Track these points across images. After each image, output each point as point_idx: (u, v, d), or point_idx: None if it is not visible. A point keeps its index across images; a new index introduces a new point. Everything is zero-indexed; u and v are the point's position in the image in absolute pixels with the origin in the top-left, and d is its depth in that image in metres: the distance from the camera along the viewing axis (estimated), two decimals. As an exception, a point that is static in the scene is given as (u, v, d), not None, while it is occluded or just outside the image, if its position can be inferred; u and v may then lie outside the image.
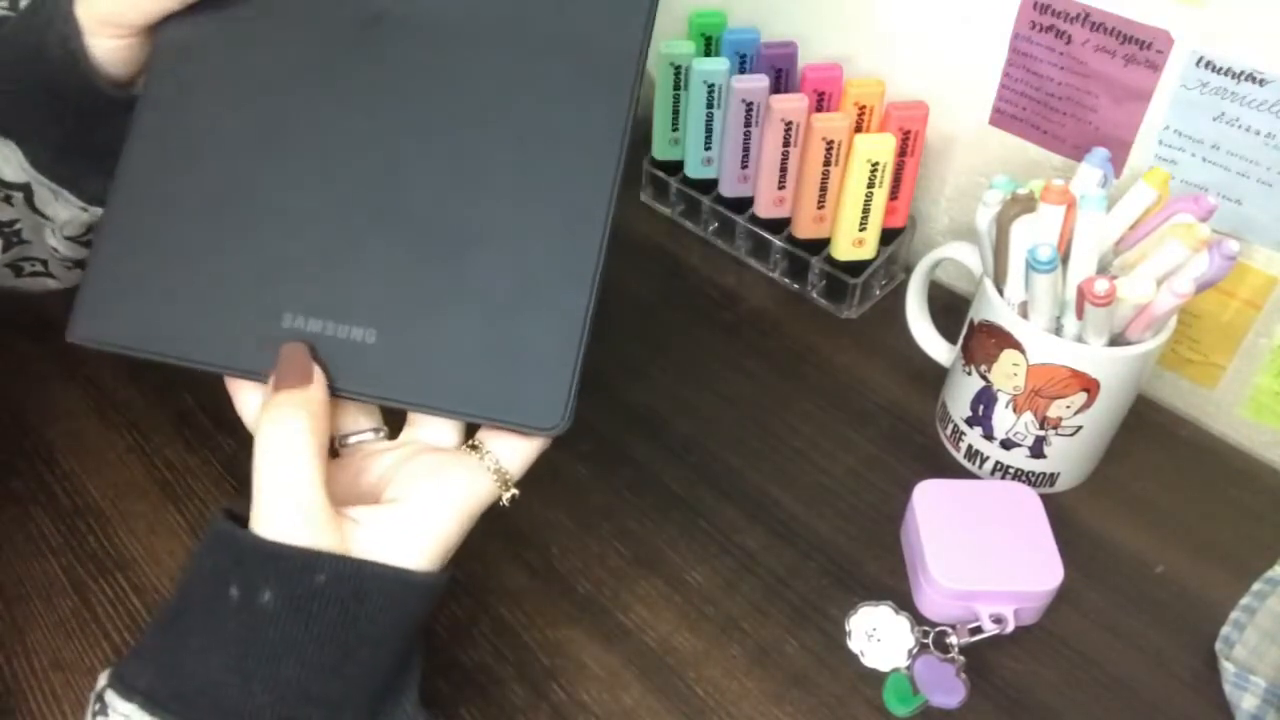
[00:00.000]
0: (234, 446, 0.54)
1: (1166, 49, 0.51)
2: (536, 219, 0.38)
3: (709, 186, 0.67)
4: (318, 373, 0.35)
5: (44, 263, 0.47)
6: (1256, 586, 0.49)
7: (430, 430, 0.38)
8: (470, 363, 0.37)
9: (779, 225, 0.65)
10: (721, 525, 0.51)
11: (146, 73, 0.40)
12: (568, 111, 0.39)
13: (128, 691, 0.32)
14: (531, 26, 0.40)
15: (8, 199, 0.43)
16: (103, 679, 0.33)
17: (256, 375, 0.38)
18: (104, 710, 0.32)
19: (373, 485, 0.37)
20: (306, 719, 0.32)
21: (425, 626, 0.36)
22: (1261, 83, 0.48)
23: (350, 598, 0.32)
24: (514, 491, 0.36)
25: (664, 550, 0.50)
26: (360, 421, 0.38)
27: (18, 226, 0.45)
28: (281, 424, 0.33)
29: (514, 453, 0.36)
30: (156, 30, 0.40)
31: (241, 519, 0.33)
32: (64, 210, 0.43)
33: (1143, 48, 0.51)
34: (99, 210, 0.43)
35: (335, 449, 0.38)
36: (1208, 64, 0.49)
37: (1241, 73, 0.48)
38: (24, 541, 0.50)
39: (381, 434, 0.39)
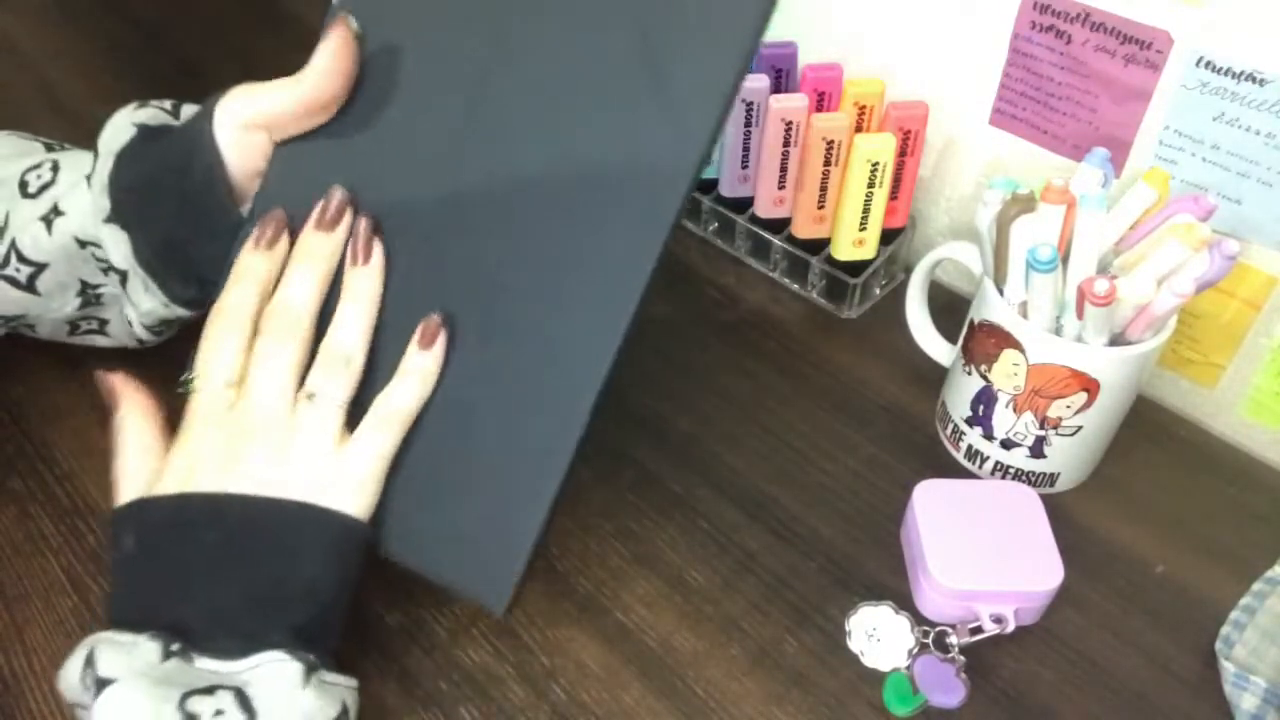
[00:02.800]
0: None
1: (1166, 49, 0.51)
2: (528, 390, 0.40)
3: (709, 187, 0.67)
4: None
5: (102, 322, 0.52)
6: (1256, 586, 0.49)
7: None
8: (434, 524, 0.41)
9: (779, 225, 0.65)
10: (721, 525, 0.51)
11: (256, 195, 0.45)
12: (589, 267, 0.40)
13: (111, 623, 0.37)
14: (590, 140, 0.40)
15: (106, 272, 0.48)
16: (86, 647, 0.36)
17: None
18: (91, 663, 0.35)
19: None
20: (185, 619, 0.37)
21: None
22: (1261, 83, 0.48)
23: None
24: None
25: (664, 550, 0.50)
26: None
27: (101, 291, 0.49)
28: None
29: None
30: (275, 149, 0.44)
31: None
32: (148, 301, 0.47)
33: (1143, 48, 0.51)
34: (180, 310, 0.47)
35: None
36: (1208, 64, 0.49)
37: (1241, 73, 0.48)
38: (24, 541, 0.50)
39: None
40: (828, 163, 0.59)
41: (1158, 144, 0.53)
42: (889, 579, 0.49)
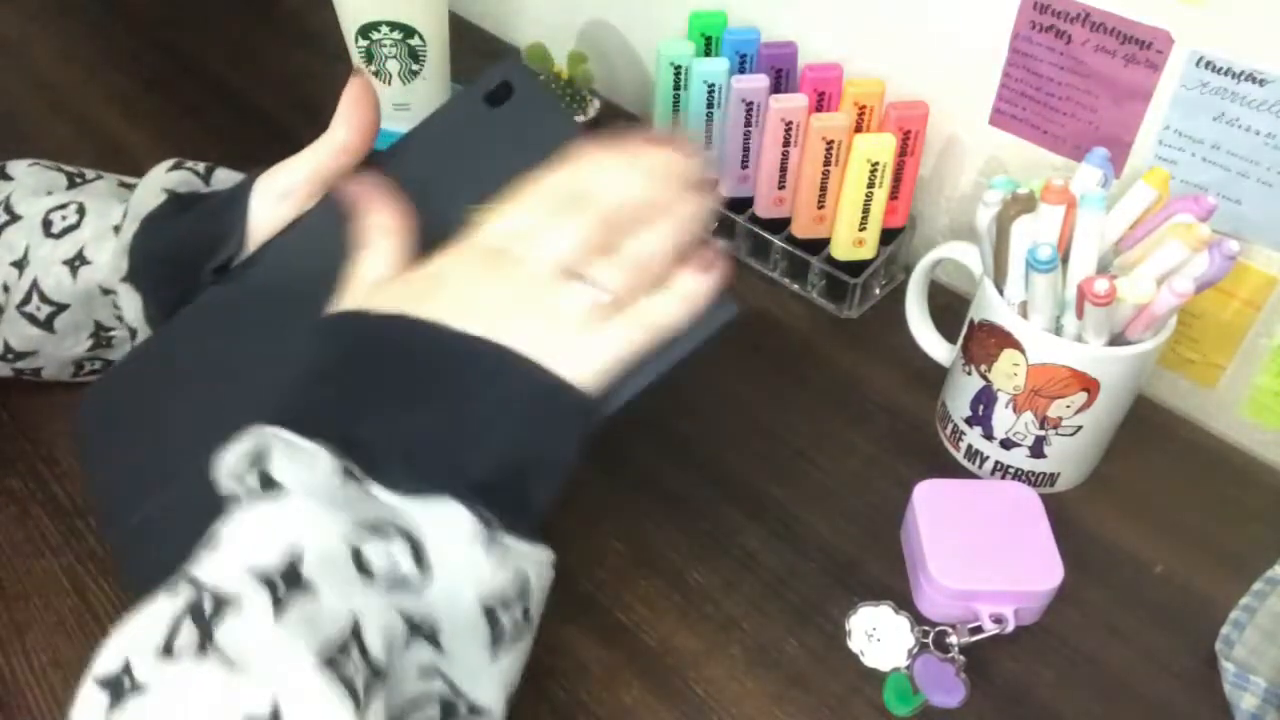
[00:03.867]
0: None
1: (1166, 49, 0.51)
2: None
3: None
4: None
5: (106, 364, 0.52)
6: (1256, 586, 0.49)
7: None
8: None
9: (779, 225, 0.65)
10: (721, 525, 0.51)
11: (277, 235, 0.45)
12: None
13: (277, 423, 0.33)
14: None
15: (120, 319, 0.49)
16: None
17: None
18: (261, 459, 0.33)
19: None
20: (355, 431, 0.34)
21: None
22: (1261, 83, 0.48)
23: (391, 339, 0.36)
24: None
25: (664, 550, 0.50)
26: None
27: (113, 334, 0.50)
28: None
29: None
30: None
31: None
32: None
33: (1143, 48, 0.51)
34: None
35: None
36: (1208, 64, 0.49)
37: (1241, 73, 0.48)
38: (24, 541, 0.50)
39: None
40: (828, 163, 0.59)
41: (1158, 144, 0.53)
42: (889, 579, 0.49)
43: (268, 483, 0.32)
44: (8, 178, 0.52)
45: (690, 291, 0.37)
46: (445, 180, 0.43)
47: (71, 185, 0.52)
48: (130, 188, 0.51)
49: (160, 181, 0.48)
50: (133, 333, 0.48)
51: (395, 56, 0.68)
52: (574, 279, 0.36)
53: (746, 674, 0.46)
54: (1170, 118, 0.52)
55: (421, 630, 0.31)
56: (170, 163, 0.49)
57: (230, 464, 0.32)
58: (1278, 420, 0.56)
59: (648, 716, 0.44)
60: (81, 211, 0.49)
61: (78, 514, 0.51)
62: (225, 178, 0.50)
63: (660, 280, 0.37)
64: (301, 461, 0.32)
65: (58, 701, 0.44)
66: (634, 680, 0.45)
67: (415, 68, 0.69)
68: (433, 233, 0.41)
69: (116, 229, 0.48)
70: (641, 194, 0.37)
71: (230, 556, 0.30)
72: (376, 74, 0.69)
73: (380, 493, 0.33)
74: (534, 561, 0.34)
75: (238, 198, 0.45)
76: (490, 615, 0.33)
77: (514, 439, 0.35)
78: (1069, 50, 0.54)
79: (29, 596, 0.48)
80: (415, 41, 0.68)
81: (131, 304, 0.47)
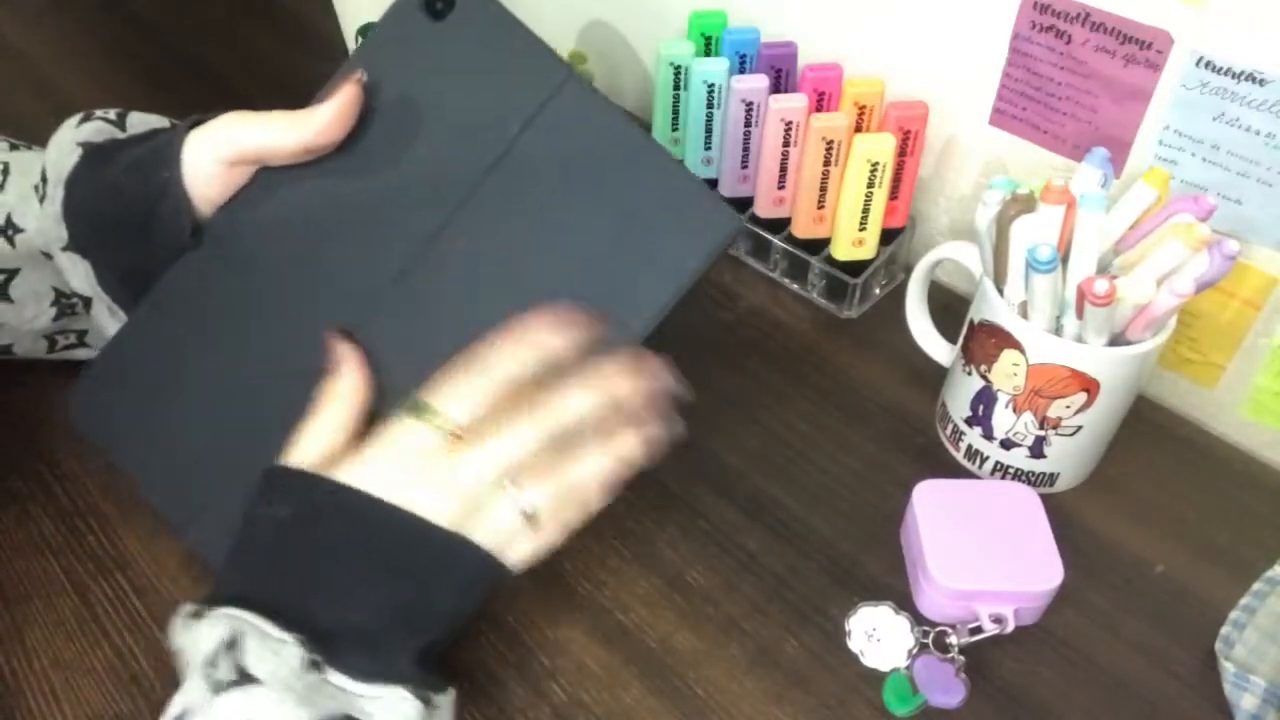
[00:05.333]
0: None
1: (1166, 49, 0.51)
2: None
3: (709, 186, 0.67)
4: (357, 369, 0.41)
5: (80, 334, 0.51)
6: (1256, 586, 0.49)
7: None
8: None
9: (779, 225, 0.65)
10: (721, 525, 0.51)
11: (219, 211, 0.44)
12: None
13: (221, 600, 0.35)
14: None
15: (70, 299, 0.48)
16: (188, 607, 0.36)
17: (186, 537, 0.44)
18: (235, 647, 0.34)
19: None
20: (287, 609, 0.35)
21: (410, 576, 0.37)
22: (1261, 83, 0.48)
23: (326, 520, 0.37)
24: (458, 426, 0.39)
25: (664, 550, 0.50)
26: None
27: (75, 300, 0.49)
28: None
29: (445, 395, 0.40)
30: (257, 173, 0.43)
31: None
32: (113, 326, 0.47)
33: (1143, 48, 0.51)
34: None
35: None
36: (1208, 64, 0.49)
37: (1241, 73, 0.48)
38: (24, 541, 0.50)
39: None
40: (827, 163, 0.59)
41: (1158, 144, 0.53)
42: (889, 579, 0.49)
43: (245, 677, 0.33)
44: None
45: (626, 454, 0.38)
46: (396, 103, 0.43)
47: (12, 149, 0.50)
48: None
49: (72, 137, 0.46)
50: (86, 301, 0.47)
51: (395, 56, 0.68)
52: (517, 496, 0.37)
53: (746, 674, 0.46)
54: (1170, 118, 0.52)
55: None
56: (79, 116, 0.47)
57: (206, 652, 0.34)
58: (1278, 420, 0.56)
59: (648, 716, 0.44)
60: (6, 172, 0.47)
61: (78, 514, 0.51)
62: (140, 121, 0.48)
63: (592, 507, 0.38)
64: (271, 651, 0.34)
65: (58, 702, 0.44)
66: (634, 680, 0.45)
67: (415, 68, 0.69)
68: (383, 154, 0.42)
69: (35, 188, 0.46)
70: (599, 419, 0.38)
71: None
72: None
73: (339, 679, 0.34)
74: (449, 704, 0.38)
75: (168, 154, 0.42)
76: None
77: (454, 612, 0.38)
78: (1069, 50, 0.54)
79: (29, 597, 0.48)
80: (415, 41, 0.68)
81: (78, 273, 0.46)
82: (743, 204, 0.66)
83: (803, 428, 0.57)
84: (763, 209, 0.65)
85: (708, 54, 0.66)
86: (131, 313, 0.46)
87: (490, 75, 0.42)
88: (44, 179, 0.46)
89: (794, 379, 0.60)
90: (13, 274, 0.47)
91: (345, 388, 0.40)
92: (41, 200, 0.46)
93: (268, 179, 0.43)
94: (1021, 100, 0.58)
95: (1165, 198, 0.48)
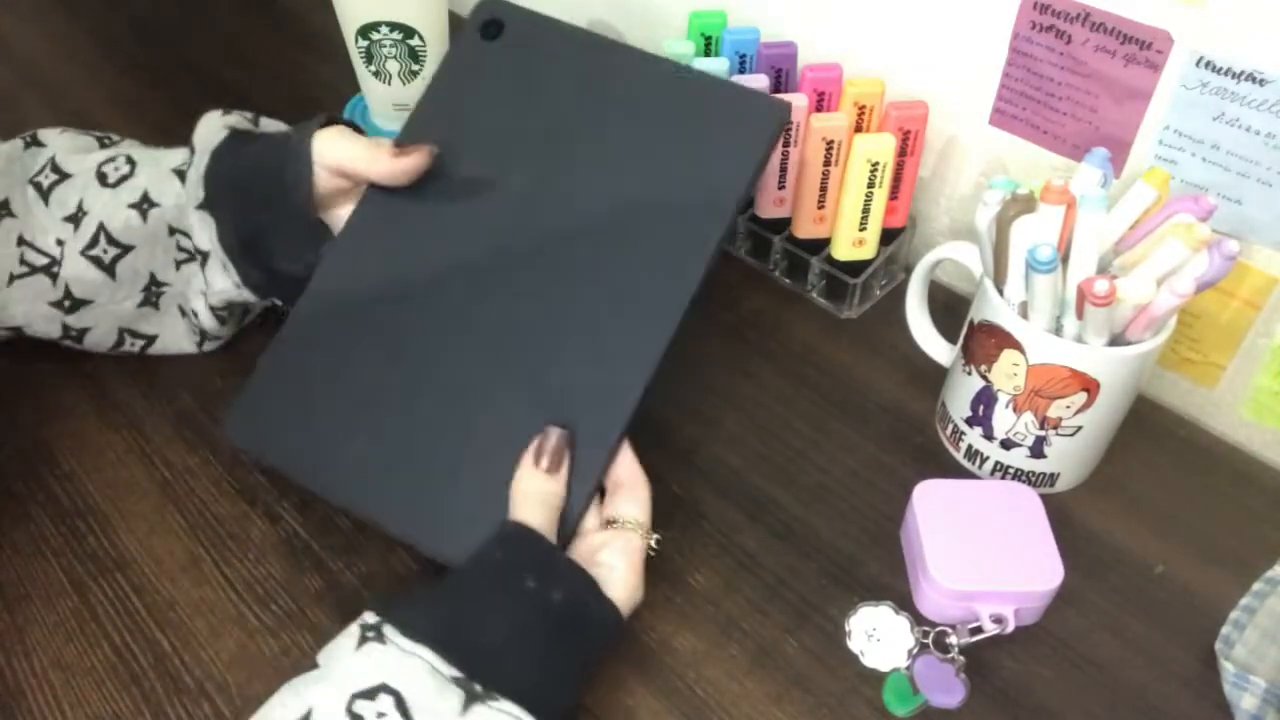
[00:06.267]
0: (234, 446, 0.54)
1: (1166, 49, 0.51)
2: (577, 391, 0.46)
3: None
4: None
5: (148, 341, 0.57)
6: (1256, 586, 0.49)
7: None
8: (451, 510, 0.45)
9: (779, 225, 0.65)
10: (721, 525, 0.51)
11: (348, 220, 0.52)
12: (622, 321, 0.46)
13: (412, 632, 0.37)
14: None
15: (189, 261, 0.54)
16: (372, 615, 0.38)
17: (378, 523, 0.47)
18: (381, 639, 0.36)
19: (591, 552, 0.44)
20: (542, 695, 0.37)
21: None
22: (1261, 83, 0.48)
23: (593, 623, 0.41)
24: (656, 536, 0.45)
25: (664, 550, 0.50)
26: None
27: (163, 290, 0.55)
28: (533, 488, 0.44)
29: (638, 510, 0.45)
30: (367, 190, 0.52)
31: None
32: (222, 281, 0.53)
33: (1143, 48, 0.51)
34: (247, 293, 0.54)
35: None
36: (1208, 64, 0.49)
37: (1241, 73, 0.48)
38: (24, 541, 0.50)
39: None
40: (828, 163, 0.59)
41: (1158, 144, 0.53)
42: (889, 579, 0.49)
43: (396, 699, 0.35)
44: (41, 144, 0.55)
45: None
46: (473, 122, 0.52)
47: (103, 146, 0.56)
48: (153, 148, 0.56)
49: (220, 122, 0.53)
50: (203, 257, 0.53)
51: (395, 56, 0.68)
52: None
53: (746, 674, 0.46)
54: (1170, 118, 0.52)
55: None
56: (219, 111, 0.54)
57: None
58: (1278, 420, 0.56)
59: (648, 716, 0.44)
60: (131, 162, 0.53)
61: (78, 515, 0.51)
62: (269, 122, 0.56)
63: None
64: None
65: (58, 702, 0.44)
66: (634, 680, 0.45)
67: (415, 68, 0.69)
68: (466, 168, 0.50)
69: (177, 171, 0.52)
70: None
71: None
72: (376, 74, 0.69)
73: None
74: None
75: (300, 146, 0.50)
76: None
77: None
78: (1069, 50, 0.54)
79: (29, 597, 0.48)
80: (415, 41, 0.68)
81: (205, 230, 0.52)
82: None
83: (803, 428, 0.57)
84: (763, 209, 0.65)
85: (708, 54, 0.66)
86: (245, 275, 0.53)
87: (545, 74, 0.52)
88: (192, 150, 0.53)
89: (794, 379, 0.60)
90: (126, 250, 0.53)
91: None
92: (181, 172, 0.52)
93: (377, 195, 0.51)
94: (1021, 100, 0.58)
95: (1165, 198, 0.48)
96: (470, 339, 0.48)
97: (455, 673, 0.36)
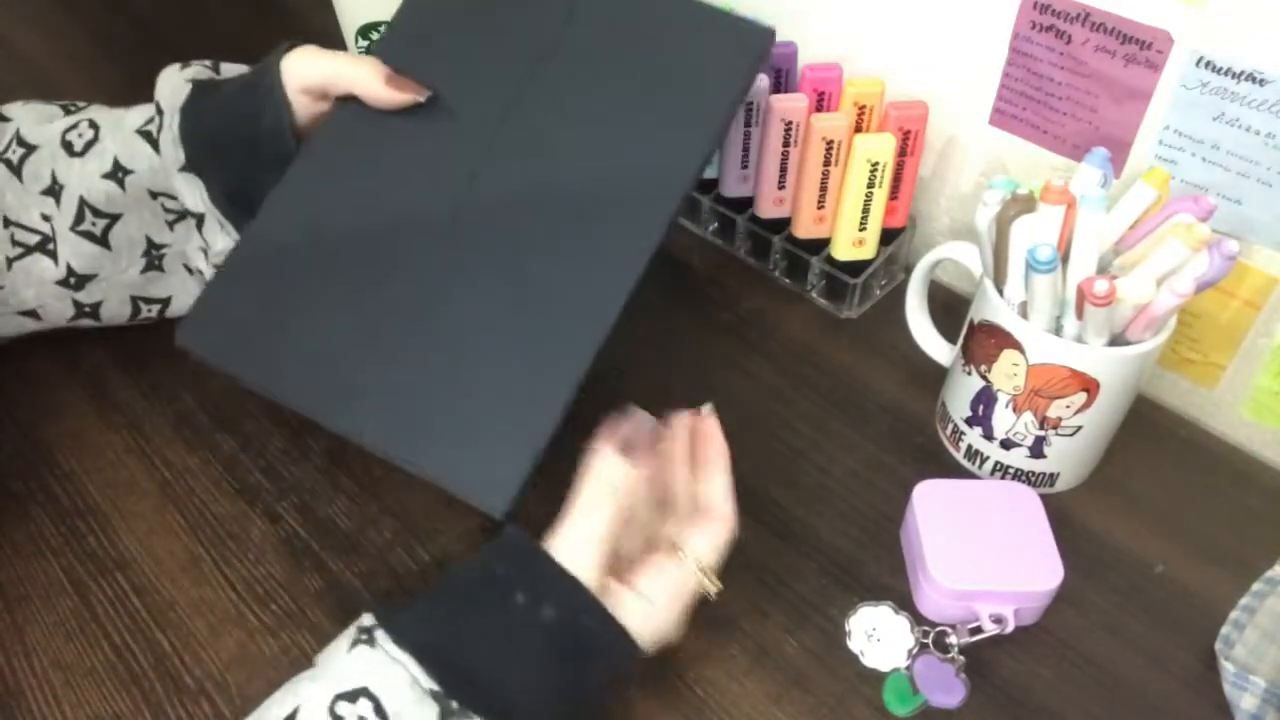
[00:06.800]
0: (234, 447, 0.54)
1: (1166, 49, 0.51)
2: (547, 320, 0.45)
3: (709, 187, 0.67)
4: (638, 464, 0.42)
5: (164, 304, 0.57)
6: (1256, 586, 0.49)
7: (627, 540, 0.43)
8: (447, 433, 0.44)
9: (779, 225, 0.65)
10: (721, 525, 0.51)
11: (312, 132, 0.51)
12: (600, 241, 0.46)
13: (401, 640, 0.36)
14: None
15: (181, 220, 0.53)
16: (369, 618, 0.37)
17: (323, 422, 0.45)
18: (371, 642, 0.36)
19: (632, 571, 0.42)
20: (516, 714, 0.36)
21: (607, 699, 0.42)
22: (1261, 83, 0.48)
23: (599, 646, 0.39)
24: (718, 585, 0.42)
25: (664, 550, 0.50)
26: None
27: (164, 251, 0.54)
28: (608, 475, 0.41)
29: (708, 549, 0.42)
30: (335, 105, 0.51)
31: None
32: (222, 240, 0.53)
33: (1143, 48, 0.51)
34: None
35: None
36: (1208, 64, 0.49)
37: (1241, 73, 0.48)
38: (24, 541, 0.50)
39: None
40: (828, 163, 0.59)
41: (1158, 144, 0.53)
42: (889, 579, 0.49)
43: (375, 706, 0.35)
44: (6, 119, 0.55)
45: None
46: (448, 43, 0.51)
47: (67, 113, 0.55)
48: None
49: (180, 76, 0.52)
50: (198, 218, 0.52)
51: (395, 56, 0.68)
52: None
53: (746, 674, 0.46)
54: (1170, 118, 0.52)
55: None
56: (179, 64, 0.53)
57: None
58: (1278, 420, 0.56)
59: (647, 716, 0.44)
60: (95, 125, 0.52)
61: (78, 515, 0.51)
62: (231, 68, 0.54)
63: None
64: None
65: (58, 702, 0.44)
66: (634, 680, 0.45)
67: (415, 68, 0.69)
68: (440, 92, 0.50)
69: (142, 132, 0.51)
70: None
71: None
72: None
73: None
74: None
75: (271, 85, 0.49)
76: None
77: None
78: (1069, 50, 0.54)
79: (29, 597, 0.48)
80: (415, 41, 0.68)
81: (193, 192, 0.51)
82: (743, 204, 0.66)
83: (803, 428, 0.57)
84: (763, 209, 0.65)
85: (708, 54, 0.66)
86: (242, 229, 0.51)
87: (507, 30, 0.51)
88: (159, 111, 0.51)
89: (794, 379, 0.60)
90: (114, 220, 0.52)
91: (640, 480, 0.42)
92: (159, 131, 0.51)
93: (349, 109, 0.50)
94: (1021, 100, 0.58)
95: (1165, 198, 0.48)
96: (439, 254, 0.47)
97: (434, 686, 0.35)
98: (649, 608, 0.40)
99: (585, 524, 0.40)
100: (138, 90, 0.80)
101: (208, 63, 0.54)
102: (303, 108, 0.50)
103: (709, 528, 0.43)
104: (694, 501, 0.44)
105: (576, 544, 0.40)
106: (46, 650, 0.46)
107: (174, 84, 0.52)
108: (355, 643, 0.36)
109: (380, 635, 0.36)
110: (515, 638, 0.38)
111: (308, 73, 0.49)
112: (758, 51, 0.49)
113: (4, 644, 0.46)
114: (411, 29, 0.52)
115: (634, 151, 0.47)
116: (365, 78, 0.49)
